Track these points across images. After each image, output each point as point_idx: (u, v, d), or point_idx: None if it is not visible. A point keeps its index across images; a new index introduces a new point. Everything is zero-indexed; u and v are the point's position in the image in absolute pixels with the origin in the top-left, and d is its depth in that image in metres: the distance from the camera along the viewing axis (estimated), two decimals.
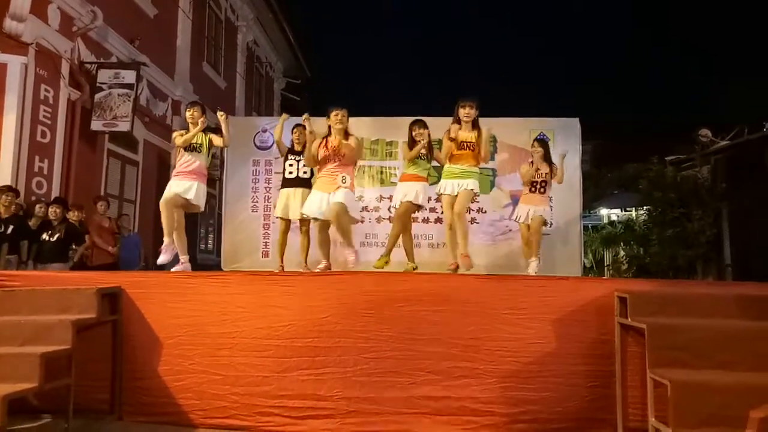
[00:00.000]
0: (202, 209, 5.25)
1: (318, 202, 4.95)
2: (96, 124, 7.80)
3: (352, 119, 8.00)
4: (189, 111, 5.21)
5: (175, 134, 5.21)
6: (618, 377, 3.58)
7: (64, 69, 7.26)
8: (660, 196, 10.11)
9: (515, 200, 7.61)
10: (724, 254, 10.02)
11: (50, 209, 6.16)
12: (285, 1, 14.57)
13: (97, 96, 7.80)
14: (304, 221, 5.51)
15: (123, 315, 3.91)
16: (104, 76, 7.89)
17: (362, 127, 7.71)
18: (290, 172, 5.68)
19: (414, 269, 5.34)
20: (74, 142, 7.52)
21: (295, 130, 5.91)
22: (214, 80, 12.76)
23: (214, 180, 11.46)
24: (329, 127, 5.09)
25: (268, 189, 7.83)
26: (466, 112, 5.18)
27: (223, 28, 13.25)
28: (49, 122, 6.99)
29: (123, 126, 7.88)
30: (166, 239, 4.96)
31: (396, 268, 5.56)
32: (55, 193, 6.98)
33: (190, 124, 5.18)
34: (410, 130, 5.47)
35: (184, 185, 4.95)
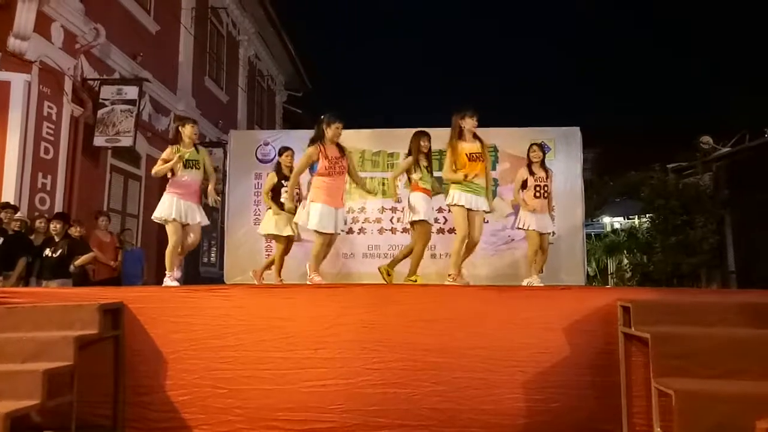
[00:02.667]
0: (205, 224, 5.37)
1: (332, 217, 4.93)
2: (99, 140, 7.87)
3: (353, 131, 8.07)
4: (192, 127, 5.17)
5: (168, 153, 5.12)
6: (623, 387, 3.55)
7: (67, 86, 7.33)
8: (662, 204, 10.09)
9: (518, 210, 7.60)
10: (727, 261, 9.98)
11: (51, 225, 6.17)
12: (286, 14, 14.73)
13: (100, 112, 7.87)
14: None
15: (125, 330, 3.90)
16: (107, 92, 7.97)
17: (364, 138, 7.74)
18: (283, 199, 5.81)
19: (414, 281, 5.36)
20: (77, 158, 7.57)
21: (286, 153, 6.02)
22: (216, 94, 12.85)
23: (217, 193, 11.51)
24: (324, 135, 5.05)
25: None
26: (474, 123, 5.14)
27: (225, 42, 13.37)
28: (52, 139, 7.04)
29: (125, 141, 7.95)
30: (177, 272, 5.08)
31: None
32: (58, 208, 7.01)
33: (188, 141, 5.14)
34: (417, 140, 5.52)
35: (192, 210, 5.11)
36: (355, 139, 7.85)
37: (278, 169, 6.00)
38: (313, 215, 4.89)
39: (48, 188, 6.97)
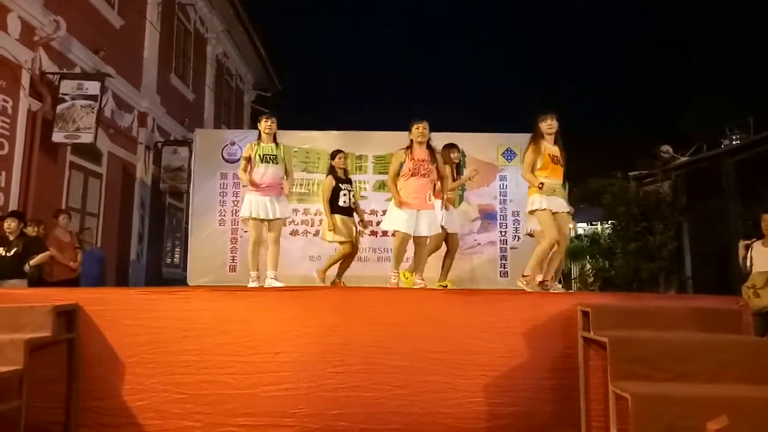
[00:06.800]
0: (288, 217, 5.59)
1: (422, 220, 4.99)
2: (57, 136, 7.60)
3: (320, 133, 8.06)
4: (267, 122, 5.17)
5: (247, 149, 5.23)
6: (582, 391, 3.61)
7: (25, 79, 7.07)
8: (623, 211, 10.34)
9: (483, 215, 7.69)
10: (685, 267, 10.30)
11: (5, 223, 5.94)
12: (255, 13, 14.56)
13: (60, 107, 7.61)
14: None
15: (80, 333, 3.78)
16: (67, 86, 7.71)
17: (331, 140, 7.73)
18: (344, 202, 5.87)
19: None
20: (34, 154, 7.30)
21: (339, 156, 6.07)
22: (182, 92, 12.61)
23: (181, 193, 11.29)
24: (411, 140, 5.07)
25: (235, 203, 7.74)
26: (548, 125, 4.92)
27: (192, 39, 13.14)
28: (7, 133, 6.79)
29: (86, 138, 7.70)
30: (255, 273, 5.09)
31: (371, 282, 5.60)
32: (14, 206, 6.76)
33: (265, 136, 5.18)
34: (447, 152, 5.74)
35: (266, 205, 5.02)
36: (323, 140, 7.85)
37: (332, 171, 6.01)
38: (391, 216, 5.01)
39: (2, 185, 6.71)
